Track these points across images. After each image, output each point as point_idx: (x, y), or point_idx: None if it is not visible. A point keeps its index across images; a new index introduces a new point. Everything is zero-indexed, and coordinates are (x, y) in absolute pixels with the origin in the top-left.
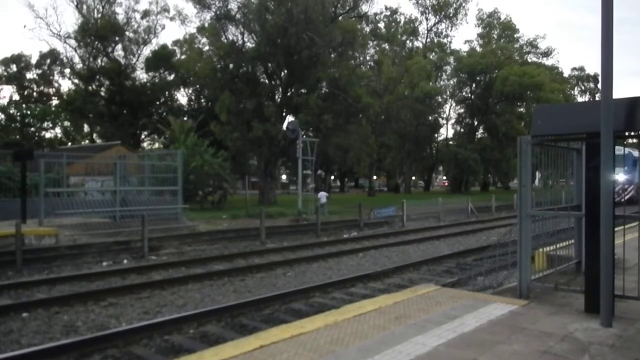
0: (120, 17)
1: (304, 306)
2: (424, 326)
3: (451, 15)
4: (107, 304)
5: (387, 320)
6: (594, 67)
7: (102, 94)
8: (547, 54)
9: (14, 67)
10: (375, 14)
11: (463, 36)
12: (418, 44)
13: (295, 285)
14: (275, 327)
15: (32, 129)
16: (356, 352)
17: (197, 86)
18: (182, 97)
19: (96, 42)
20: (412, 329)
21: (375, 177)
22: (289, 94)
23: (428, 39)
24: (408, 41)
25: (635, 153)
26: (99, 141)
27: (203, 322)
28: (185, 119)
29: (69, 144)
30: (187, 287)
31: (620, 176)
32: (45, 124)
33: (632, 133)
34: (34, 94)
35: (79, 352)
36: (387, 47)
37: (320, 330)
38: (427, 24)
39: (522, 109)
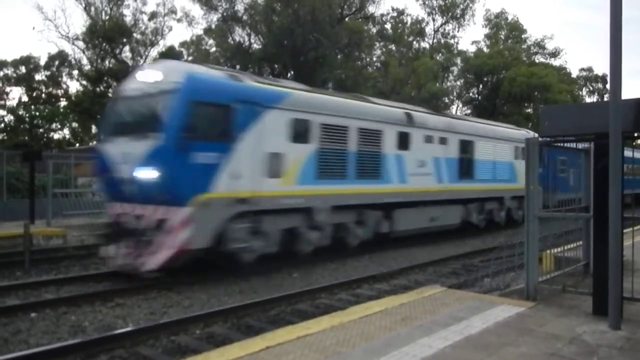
0: (128, 19)
1: (309, 307)
2: (430, 328)
3: (458, 16)
4: (114, 305)
5: (393, 321)
6: (602, 67)
7: (110, 95)
8: (554, 54)
9: (22, 69)
10: (382, 15)
11: (470, 37)
12: (425, 44)
13: (301, 286)
14: (281, 328)
15: (41, 130)
16: (362, 353)
17: None
18: None
19: (104, 44)
20: (418, 330)
21: None
22: None
23: (435, 40)
24: (415, 42)
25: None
26: None
27: (209, 323)
28: None
29: (77, 145)
30: (194, 288)
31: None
32: (53, 125)
33: None
34: (43, 95)
35: (86, 353)
36: (393, 48)
37: (326, 331)
38: (434, 25)
39: (529, 110)
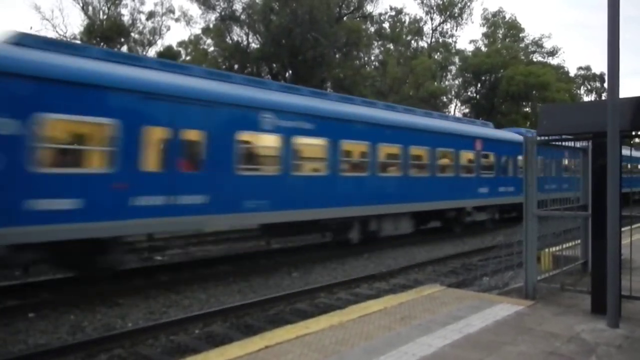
0: (126, 19)
1: (309, 307)
2: (430, 327)
3: (456, 15)
4: (113, 304)
5: (392, 320)
6: (599, 66)
7: None
8: (552, 53)
9: None
10: (380, 14)
11: (468, 36)
12: (423, 44)
13: (300, 285)
14: (280, 327)
15: None
16: (361, 352)
17: None
18: None
19: (102, 44)
20: (418, 329)
21: None
22: None
23: (433, 39)
24: (413, 41)
25: None
26: None
27: (209, 323)
28: None
29: None
30: (193, 288)
31: None
32: None
33: (639, 132)
34: None
35: (86, 352)
36: (392, 47)
37: (326, 330)
38: (432, 24)
39: (527, 109)
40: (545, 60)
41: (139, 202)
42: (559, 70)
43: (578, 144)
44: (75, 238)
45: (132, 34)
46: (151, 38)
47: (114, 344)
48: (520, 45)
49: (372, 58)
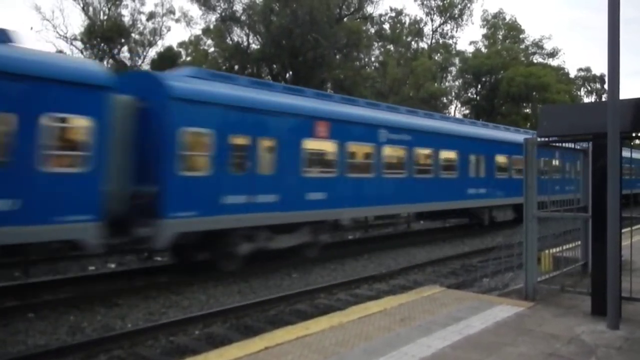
0: (126, 19)
1: (308, 307)
2: (429, 328)
3: (456, 16)
4: (113, 305)
5: (392, 321)
6: (600, 67)
7: None
8: (552, 54)
9: None
10: (380, 15)
11: (468, 37)
12: (423, 45)
13: (300, 286)
14: (280, 328)
15: None
16: (361, 353)
17: None
18: None
19: (102, 44)
20: (417, 330)
21: None
22: None
23: (433, 40)
24: (413, 42)
25: None
26: None
27: (208, 323)
28: None
29: None
30: (193, 288)
31: None
32: None
33: (639, 134)
34: None
35: (85, 353)
36: (392, 48)
37: (325, 331)
38: (432, 25)
39: (527, 110)
40: (545, 61)
41: None
42: (559, 71)
43: (578, 145)
44: None
45: (133, 35)
46: (152, 39)
47: (114, 344)
48: (521, 46)
49: (373, 59)
